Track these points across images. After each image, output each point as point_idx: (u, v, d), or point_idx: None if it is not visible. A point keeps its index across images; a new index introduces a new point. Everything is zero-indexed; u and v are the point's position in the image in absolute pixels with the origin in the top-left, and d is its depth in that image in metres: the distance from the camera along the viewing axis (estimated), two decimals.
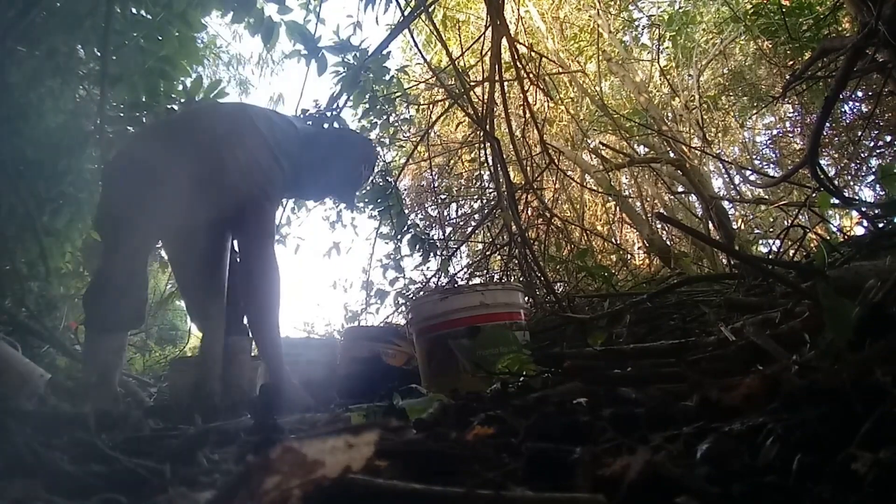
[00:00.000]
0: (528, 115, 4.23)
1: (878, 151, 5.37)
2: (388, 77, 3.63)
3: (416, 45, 4.43)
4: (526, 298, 2.58)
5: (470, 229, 5.94)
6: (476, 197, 6.51)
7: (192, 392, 1.89)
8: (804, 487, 0.42)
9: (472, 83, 3.95)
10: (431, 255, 4.09)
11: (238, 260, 2.00)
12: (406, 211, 4.63)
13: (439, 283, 4.17)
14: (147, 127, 2.92)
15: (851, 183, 6.08)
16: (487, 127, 3.66)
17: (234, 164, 1.85)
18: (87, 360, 1.87)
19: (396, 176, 4.71)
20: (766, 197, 5.86)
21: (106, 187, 2.09)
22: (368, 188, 3.89)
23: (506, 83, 4.01)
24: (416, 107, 4.96)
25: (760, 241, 6.76)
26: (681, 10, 6.93)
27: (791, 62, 4.91)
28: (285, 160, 1.98)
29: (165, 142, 1.92)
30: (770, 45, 5.31)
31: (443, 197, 6.46)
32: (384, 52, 3.50)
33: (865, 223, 1.76)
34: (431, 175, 5.88)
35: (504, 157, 3.86)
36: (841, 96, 3.49)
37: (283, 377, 1.83)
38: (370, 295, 4.52)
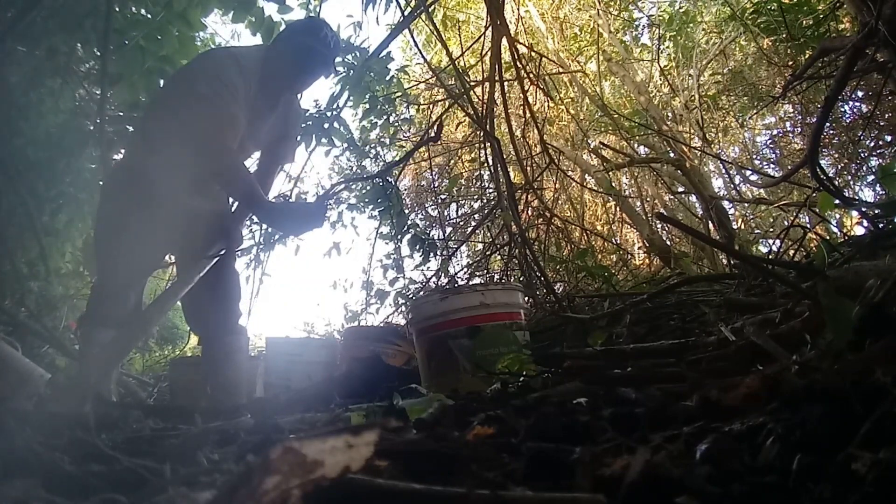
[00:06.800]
0: (528, 115, 4.23)
1: (878, 151, 5.36)
2: (388, 77, 3.64)
3: (416, 45, 4.43)
4: (526, 298, 2.58)
5: (470, 229, 5.94)
6: (476, 197, 6.51)
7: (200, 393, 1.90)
8: (804, 487, 0.42)
9: (472, 83, 3.95)
10: (431, 255, 4.09)
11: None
12: (406, 211, 4.62)
13: (439, 283, 4.17)
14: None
15: (851, 183, 6.08)
16: (487, 127, 3.66)
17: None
18: (81, 358, 1.87)
19: (396, 176, 4.71)
20: (766, 197, 5.86)
21: (104, 199, 2.10)
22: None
23: (506, 83, 4.01)
24: (417, 107, 4.96)
25: (760, 241, 6.77)
26: (681, 10, 6.93)
27: (791, 62, 4.90)
28: (245, 60, 1.98)
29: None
30: (770, 45, 5.30)
31: (443, 197, 6.45)
32: (385, 52, 3.51)
33: (865, 223, 1.76)
34: (431, 175, 5.88)
35: (504, 157, 3.86)
36: (841, 96, 3.49)
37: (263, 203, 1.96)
38: (370, 295, 4.52)
